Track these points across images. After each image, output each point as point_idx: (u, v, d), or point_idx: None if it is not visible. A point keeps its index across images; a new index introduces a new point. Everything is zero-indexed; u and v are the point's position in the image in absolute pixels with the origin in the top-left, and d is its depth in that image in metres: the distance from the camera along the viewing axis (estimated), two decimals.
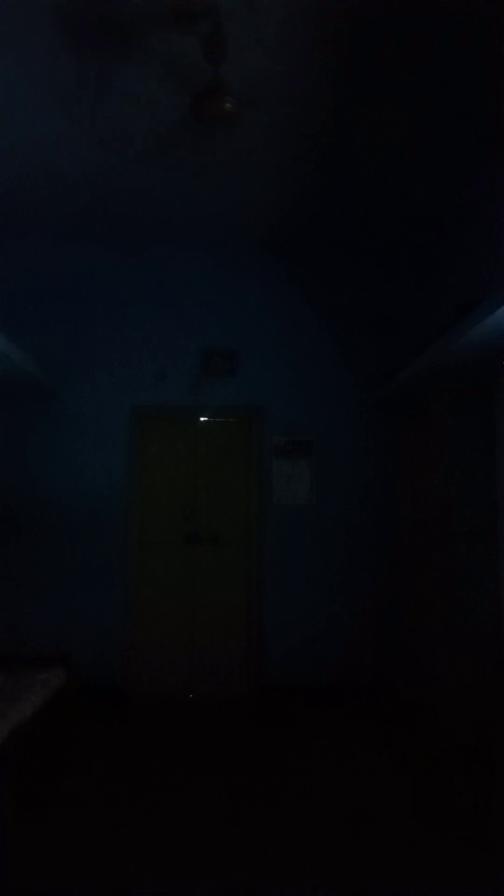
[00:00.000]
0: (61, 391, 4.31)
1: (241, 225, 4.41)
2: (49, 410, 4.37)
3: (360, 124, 3.29)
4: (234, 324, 4.55)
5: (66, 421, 4.39)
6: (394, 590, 4.29)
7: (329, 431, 4.49)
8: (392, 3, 2.49)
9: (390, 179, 3.80)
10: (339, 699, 4.14)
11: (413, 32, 2.65)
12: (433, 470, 3.53)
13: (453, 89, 3.01)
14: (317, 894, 2.11)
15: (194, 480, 4.50)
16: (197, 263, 4.59)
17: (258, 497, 4.42)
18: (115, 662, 4.20)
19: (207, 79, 2.61)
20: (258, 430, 4.48)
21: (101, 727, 3.61)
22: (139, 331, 4.51)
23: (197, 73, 2.76)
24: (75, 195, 3.99)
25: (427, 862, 2.28)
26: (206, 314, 4.55)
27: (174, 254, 4.58)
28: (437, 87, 2.99)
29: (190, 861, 2.29)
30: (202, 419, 4.58)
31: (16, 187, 3.88)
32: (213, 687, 4.30)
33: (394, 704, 4.00)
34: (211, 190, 3.93)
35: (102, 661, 4.16)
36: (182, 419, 4.57)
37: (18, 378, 3.73)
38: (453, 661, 3.35)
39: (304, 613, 4.33)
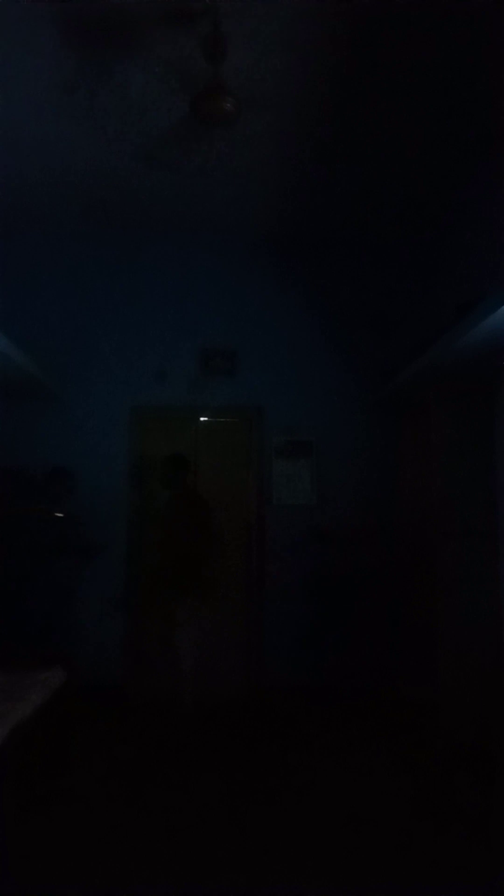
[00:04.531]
0: (61, 391, 4.31)
1: (241, 224, 4.41)
2: (49, 410, 4.37)
3: (359, 124, 3.29)
4: (234, 324, 4.55)
5: (66, 421, 4.38)
6: (394, 590, 4.29)
7: (329, 431, 4.48)
8: (392, 3, 2.49)
9: (390, 179, 3.80)
10: (339, 699, 4.13)
11: (413, 32, 2.65)
12: (433, 470, 3.52)
13: (453, 89, 3.00)
14: (317, 894, 2.11)
15: (194, 480, 4.49)
16: (197, 263, 4.59)
17: (258, 497, 4.42)
18: (115, 662, 4.20)
19: (207, 79, 2.61)
20: (258, 430, 4.48)
21: (101, 727, 3.61)
22: (139, 331, 4.51)
23: (197, 73, 2.76)
24: (75, 195, 3.99)
25: (427, 861, 2.28)
26: (205, 314, 4.55)
27: (174, 253, 4.58)
28: (437, 86, 2.99)
29: (190, 861, 2.29)
30: (202, 419, 4.58)
31: (16, 187, 3.88)
32: (213, 686, 4.29)
33: (394, 704, 4.00)
34: (211, 190, 3.93)
35: (102, 660, 4.16)
36: (182, 419, 4.56)
37: (18, 378, 3.73)
38: (453, 661, 3.35)
39: (303, 613, 4.33)
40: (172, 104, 3.06)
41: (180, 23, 2.55)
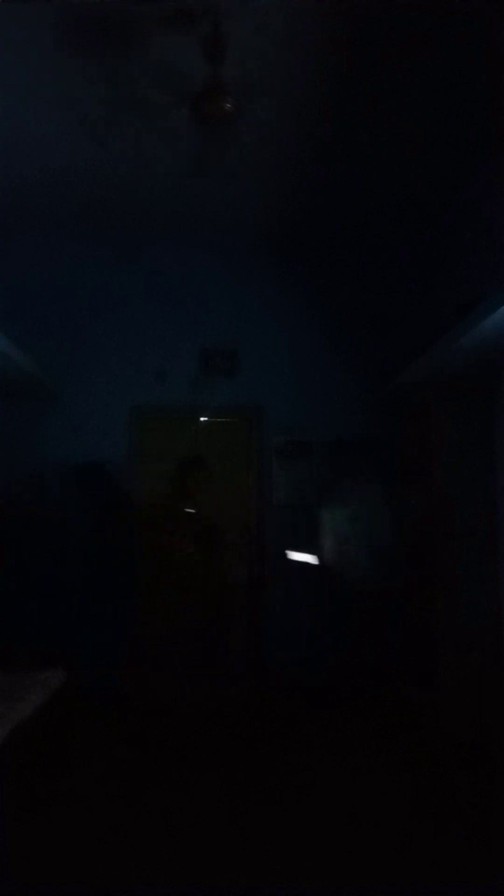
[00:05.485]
0: (61, 391, 4.31)
1: (241, 224, 4.41)
2: (49, 410, 4.37)
3: (359, 123, 3.29)
4: (234, 323, 4.55)
5: (66, 421, 4.38)
6: (394, 590, 4.28)
7: (329, 431, 4.48)
8: (392, 3, 2.49)
9: (390, 178, 3.80)
10: (339, 699, 4.13)
11: (413, 32, 2.65)
12: (433, 470, 3.52)
13: (453, 89, 3.00)
14: (317, 894, 2.11)
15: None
16: (197, 263, 4.59)
17: (258, 497, 4.42)
18: (115, 662, 4.19)
19: (207, 79, 2.61)
20: (258, 430, 4.48)
21: (101, 727, 3.61)
22: (139, 331, 4.51)
23: (197, 73, 2.76)
24: (75, 195, 3.99)
25: (427, 861, 2.28)
26: (205, 314, 4.55)
27: (174, 253, 4.58)
28: (437, 86, 2.99)
29: (190, 861, 2.29)
30: (202, 419, 4.58)
31: (16, 187, 3.88)
32: (214, 686, 4.29)
33: (394, 704, 4.00)
34: (211, 190, 3.93)
35: (102, 660, 4.15)
36: (182, 419, 4.56)
37: (18, 378, 3.73)
38: (453, 661, 3.35)
39: (303, 613, 4.32)
40: (172, 104, 3.05)
41: (180, 23, 2.55)
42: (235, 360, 4.52)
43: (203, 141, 3.32)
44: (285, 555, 4.37)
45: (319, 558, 4.26)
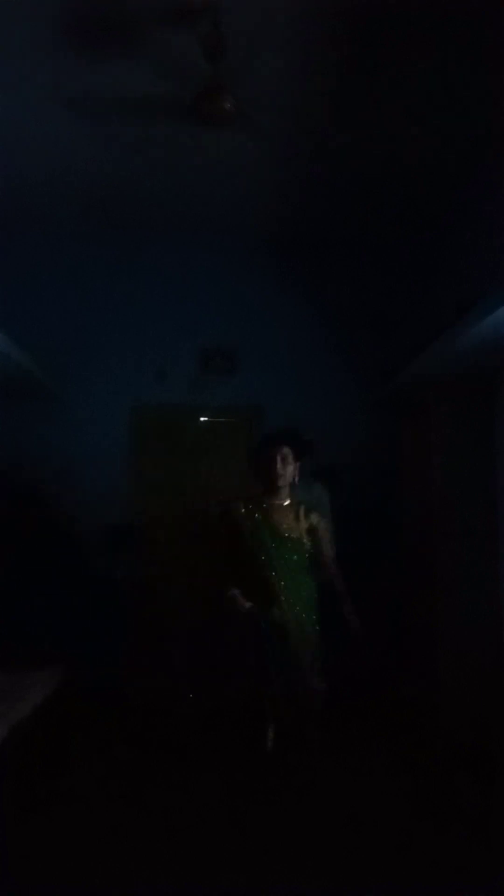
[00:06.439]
0: (61, 391, 4.31)
1: (241, 224, 4.41)
2: (49, 410, 4.36)
3: (359, 123, 3.29)
4: (234, 322, 4.55)
5: (66, 421, 4.38)
6: (394, 590, 4.28)
7: (329, 431, 4.47)
8: (392, 3, 2.49)
9: (390, 178, 3.80)
10: (339, 699, 4.12)
11: (413, 31, 2.65)
12: (433, 470, 3.52)
13: (453, 89, 3.00)
14: (317, 894, 2.11)
15: (194, 480, 4.49)
16: (197, 262, 4.59)
17: None
18: (115, 662, 4.19)
19: (207, 79, 2.60)
20: (258, 430, 4.47)
21: (101, 727, 3.61)
22: (139, 331, 4.51)
23: (197, 73, 2.75)
24: (75, 195, 3.99)
25: (427, 861, 2.28)
26: (205, 313, 4.55)
27: (174, 253, 4.58)
28: (437, 86, 2.99)
29: (190, 861, 2.29)
30: (202, 419, 4.58)
31: (16, 187, 3.88)
32: (214, 686, 4.29)
33: (394, 704, 3.99)
34: (211, 190, 3.93)
35: (102, 660, 4.14)
36: (182, 419, 4.56)
37: (18, 378, 3.73)
38: (453, 661, 3.35)
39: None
40: (172, 104, 3.05)
41: (180, 22, 2.54)
42: (235, 359, 4.51)
43: (203, 141, 3.32)
44: None
45: None
